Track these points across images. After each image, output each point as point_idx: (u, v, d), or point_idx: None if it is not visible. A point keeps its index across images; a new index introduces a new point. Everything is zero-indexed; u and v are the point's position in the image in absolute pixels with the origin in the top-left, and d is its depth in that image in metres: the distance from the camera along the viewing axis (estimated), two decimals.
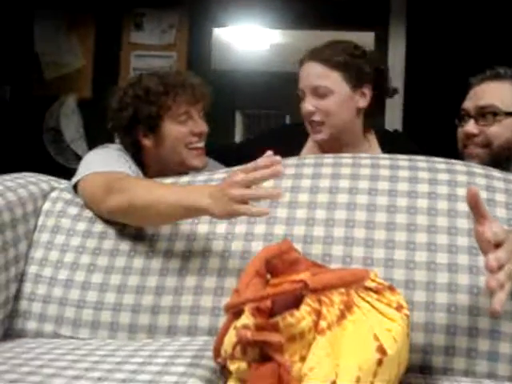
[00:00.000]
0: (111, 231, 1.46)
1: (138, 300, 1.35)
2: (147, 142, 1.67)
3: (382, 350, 0.95)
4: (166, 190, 1.34)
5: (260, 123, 6.78)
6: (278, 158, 1.12)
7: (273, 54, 5.59)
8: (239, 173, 1.15)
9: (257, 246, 1.33)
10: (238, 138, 6.89)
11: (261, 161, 1.13)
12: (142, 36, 3.63)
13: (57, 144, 3.51)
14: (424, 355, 1.22)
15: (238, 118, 6.97)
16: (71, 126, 3.50)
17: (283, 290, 0.94)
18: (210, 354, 1.09)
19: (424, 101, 3.30)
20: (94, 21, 3.63)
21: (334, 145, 1.74)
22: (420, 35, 3.50)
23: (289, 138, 1.87)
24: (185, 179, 1.53)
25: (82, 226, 1.48)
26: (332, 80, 1.68)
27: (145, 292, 1.35)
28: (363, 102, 1.72)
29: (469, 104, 1.63)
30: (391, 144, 1.84)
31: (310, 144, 1.86)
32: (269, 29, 4.60)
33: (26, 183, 1.53)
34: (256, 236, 1.35)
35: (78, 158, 3.42)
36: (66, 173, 3.34)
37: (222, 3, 3.81)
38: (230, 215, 1.18)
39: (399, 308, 1.04)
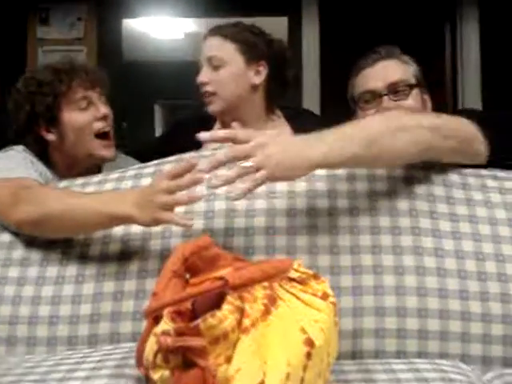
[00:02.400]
0: (21, 239, 1.38)
1: (55, 311, 1.27)
2: (50, 137, 1.60)
3: (309, 342, 0.92)
4: (83, 199, 1.29)
5: (179, 113, 6.70)
6: (197, 162, 1.12)
7: (187, 42, 5.51)
8: (163, 179, 1.15)
9: (176, 243, 1.27)
10: (158, 129, 6.80)
11: (182, 166, 1.14)
12: (49, 31, 3.49)
13: None
14: (354, 340, 1.20)
15: (157, 109, 6.87)
16: None
17: (202, 290, 0.90)
18: (133, 362, 1.03)
19: (340, 79, 3.31)
20: None
21: (232, 121, 1.72)
22: (333, 18, 3.52)
23: (198, 127, 1.84)
24: (96, 179, 1.45)
25: None
26: (226, 51, 1.73)
27: (61, 302, 1.28)
28: (257, 79, 1.76)
29: (376, 83, 1.64)
30: (302, 122, 1.85)
31: (216, 127, 1.87)
32: (181, 18, 4.53)
33: None
34: (174, 233, 1.29)
35: None
36: None
37: None
38: (156, 223, 1.18)
39: (325, 297, 1.01)
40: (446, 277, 1.22)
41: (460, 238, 1.25)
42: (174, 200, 1.15)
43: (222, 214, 1.29)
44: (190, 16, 4.44)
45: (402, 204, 1.28)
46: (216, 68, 1.72)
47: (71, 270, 1.31)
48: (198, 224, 1.28)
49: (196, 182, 1.13)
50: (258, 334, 0.90)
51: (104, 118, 1.62)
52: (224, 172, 1.08)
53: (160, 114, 6.89)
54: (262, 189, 1.29)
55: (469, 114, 1.35)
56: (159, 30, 5.16)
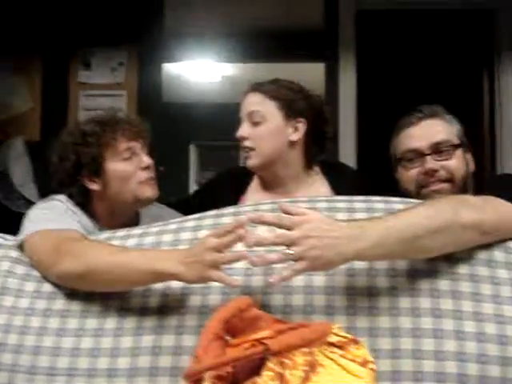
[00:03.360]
0: (62, 291, 1.39)
1: (93, 364, 1.28)
2: (94, 186, 1.63)
3: None
4: (129, 255, 1.31)
5: (214, 154, 6.77)
6: (244, 219, 1.18)
7: (224, 86, 5.59)
8: (210, 238, 1.19)
9: (214, 300, 1.28)
10: (192, 170, 6.86)
11: (229, 225, 1.19)
12: (91, 75, 3.56)
13: (4, 188, 3.39)
14: None
15: (193, 150, 6.94)
16: (19, 170, 3.39)
17: (244, 355, 0.90)
18: None
19: (377, 131, 3.32)
20: (41, 62, 3.55)
21: (270, 177, 1.81)
22: (370, 65, 3.54)
23: (236, 181, 1.90)
24: (137, 232, 1.47)
25: (30, 287, 1.41)
26: (266, 107, 1.75)
27: (100, 355, 1.29)
28: (296, 136, 1.76)
29: (420, 143, 1.64)
30: (340, 178, 1.87)
31: (254, 182, 1.89)
32: (219, 62, 4.60)
33: None
34: (213, 289, 1.30)
35: (27, 202, 3.33)
36: (15, 217, 3.25)
37: (172, 39, 3.79)
38: (203, 280, 1.21)
39: (364, 363, 1.01)
40: (485, 342, 1.21)
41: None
42: (224, 258, 1.18)
43: (261, 272, 1.30)
44: (228, 61, 4.50)
45: (442, 267, 1.28)
46: (256, 124, 1.74)
47: (110, 322, 1.32)
48: (236, 282, 1.28)
49: (241, 240, 1.17)
50: None
51: (147, 168, 1.65)
52: (264, 253, 1.17)
53: (195, 155, 6.95)
54: None
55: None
56: (197, 73, 5.25)
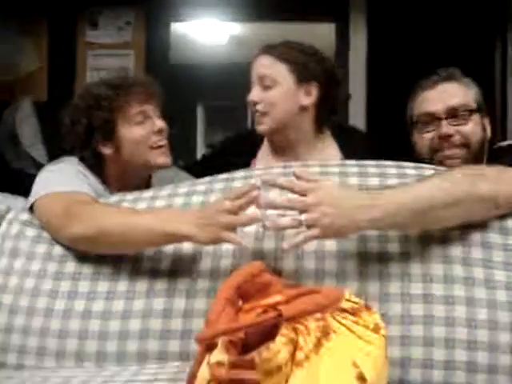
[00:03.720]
0: (73, 253, 1.40)
1: (105, 326, 1.29)
2: (107, 150, 1.61)
3: (361, 377, 0.92)
4: (142, 216, 1.32)
5: (222, 115, 6.74)
6: (257, 182, 1.19)
7: (232, 46, 5.53)
8: (225, 200, 1.20)
9: (225, 264, 1.29)
10: (200, 130, 6.84)
11: (245, 188, 1.20)
12: (98, 35, 3.54)
13: (13, 149, 3.40)
14: (401, 369, 1.19)
15: (200, 110, 6.91)
16: (28, 131, 3.39)
17: (257, 322, 0.90)
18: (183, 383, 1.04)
19: (387, 93, 3.29)
20: (47, 21, 3.52)
21: (281, 141, 1.78)
22: (381, 26, 3.49)
23: (247, 145, 1.89)
24: (147, 195, 1.47)
25: (41, 249, 1.41)
26: (277, 70, 1.71)
27: (111, 317, 1.30)
28: (307, 100, 1.73)
29: (435, 106, 1.61)
30: (351, 142, 1.85)
31: (265, 146, 1.87)
32: (227, 22, 4.54)
33: None
34: (224, 253, 1.30)
35: (36, 164, 3.33)
36: (24, 178, 3.26)
37: None
38: (216, 242, 1.22)
39: (376, 329, 1.00)
40: (496, 309, 1.21)
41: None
42: (238, 220, 1.20)
43: (272, 237, 1.29)
44: (237, 20, 4.45)
45: (454, 234, 1.27)
46: (267, 88, 1.71)
47: (122, 285, 1.33)
48: (249, 245, 1.28)
49: (254, 203, 1.18)
50: (311, 367, 0.90)
51: (160, 131, 1.62)
52: (276, 217, 1.17)
53: (203, 115, 6.93)
54: None
55: None
56: (205, 33, 5.19)
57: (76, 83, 3.48)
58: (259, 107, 1.72)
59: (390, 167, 1.41)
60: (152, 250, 1.34)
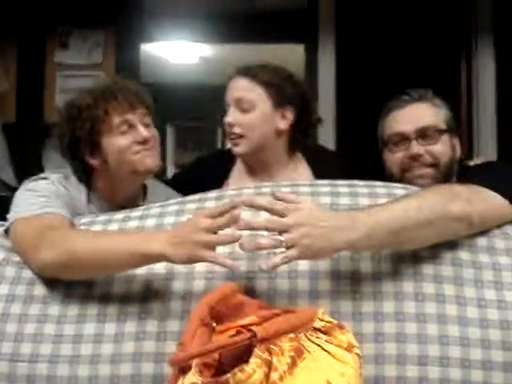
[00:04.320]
0: (42, 278, 1.37)
1: (76, 350, 1.27)
2: (94, 162, 1.57)
3: None
4: (114, 238, 1.28)
5: (191, 136, 6.73)
6: (239, 201, 1.15)
7: (202, 67, 5.56)
8: (203, 218, 1.15)
9: (198, 285, 1.28)
10: (169, 151, 6.83)
11: (225, 206, 1.16)
12: (68, 55, 3.51)
13: None
14: None
15: (170, 130, 6.90)
16: None
17: (230, 343, 0.90)
18: None
19: (356, 112, 3.33)
20: (16, 42, 3.48)
21: (255, 162, 1.79)
22: (349, 46, 3.53)
23: (219, 166, 1.88)
24: (137, 213, 1.46)
25: (10, 272, 1.39)
26: (256, 94, 1.71)
27: (82, 341, 1.27)
28: (283, 124, 1.74)
29: (405, 127, 1.63)
30: (321, 162, 1.87)
31: (237, 166, 1.87)
32: (197, 43, 4.57)
33: None
34: (197, 274, 1.29)
35: (6, 186, 3.29)
36: None
37: (149, 19, 3.74)
38: (193, 261, 1.18)
39: (350, 348, 1.01)
40: (468, 326, 1.22)
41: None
42: (218, 239, 1.16)
43: (245, 257, 1.29)
44: (206, 42, 4.47)
45: (425, 252, 1.29)
46: (244, 111, 1.70)
47: (92, 309, 1.31)
48: (221, 267, 1.27)
49: (235, 222, 1.13)
50: None
51: (144, 141, 1.56)
52: (256, 238, 1.13)
53: (172, 136, 6.93)
54: None
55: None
56: (175, 54, 5.21)
57: (45, 104, 3.45)
58: (236, 130, 1.72)
59: (361, 187, 1.42)
60: (123, 273, 1.33)
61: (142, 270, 1.31)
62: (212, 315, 1.02)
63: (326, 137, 3.32)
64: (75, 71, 3.48)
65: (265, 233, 1.15)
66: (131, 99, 1.56)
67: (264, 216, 1.17)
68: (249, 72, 1.73)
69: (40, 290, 1.36)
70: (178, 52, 5.16)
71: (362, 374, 1.03)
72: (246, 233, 1.17)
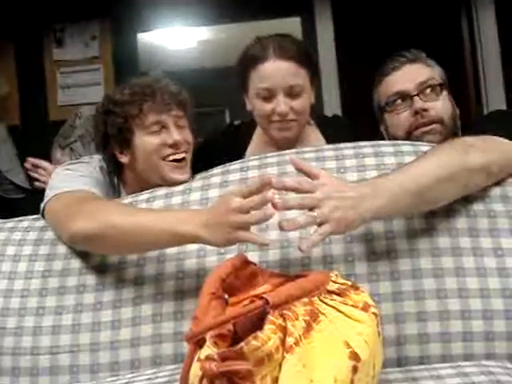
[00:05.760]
0: (56, 266, 1.38)
1: (96, 338, 1.27)
2: (124, 159, 1.54)
3: (355, 356, 0.91)
4: (149, 216, 1.25)
5: (200, 121, 6.71)
6: (270, 178, 1.09)
7: (201, 50, 5.52)
8: (234, 197, 1.11)
9: (211, 262, 1.27)
10: None
11: (255, 183, 1.11)
12: (65, 52, 3.52)
13: None
14: (398, 347, 1.18)
15: None
16: (5, 156, 3.36)
17: (243, 312, 0.88)
18: None
19: (359, 80, 3.28)
20: (13, 44, 3.49)
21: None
22: (346, 14, 3.49)
23: (236, 139, 1.83)
24: (162, 192, 1.46)
25: (23, 267, 1.39)
26: (302, 77, 1.63)
27: (101, 328, 1.28)
28: (313, 97, 1.70)
29: (406, 85, 1.60)
30: (333, 129, 1.83)
31: (257, 141, 1.81)
32: (194, 27, 4.53)
33: None
34: (208, 251, 1.29)
35: (17, 188, 3.30)
36: (6, 203, 3.22)
37: (144, 8, 3.72)
38: (231, 243, 1.15)
39: (366, 307, 0.99)
40: (486, 276, 1.21)
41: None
42: (251, 219, 1.11)
43: (256, 228, 1.27)
44: (203, 24, 4.43)
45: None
46: (295, 96, 1.62)
47: (108, 295, 1.31)
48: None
49: (268, 201, 1.08)
50: (303, 351, 0.88)
51: (175, 144, 1.51)
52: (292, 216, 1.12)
53: None
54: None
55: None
56: (173, 40, 5.18)
57: (48, 103, 3.46)
58: (290, 116, 1.64)
59: (385, 146, 1.41)
60: (135, 256, 1.32)
61: (152, 252, 1.31)
62: (223, 288, 1.00)
63: (332, 106, 3.30)
64: (74, 67, 3.48)
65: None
66: (168, 99, 1.51)
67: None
68: (288, 53, 1.62)
69: (53, 281, 1.36)
70: (175, 38, 5.13)
71: (381, 333, 1.02)
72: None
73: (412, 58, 1.64)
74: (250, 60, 1.65)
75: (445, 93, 1.62)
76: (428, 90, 1.59)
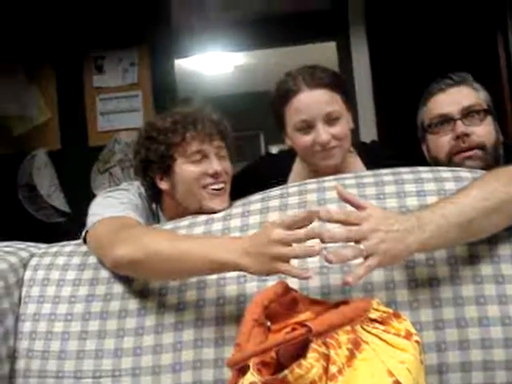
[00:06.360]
0: (99, 291, 1.41)
1: (137, 362, 1.29)
2: (164, 185, 1.57)
3: None
4: (191, 243, 1.26)
5: (236, 145, 6.75)
6: (316, 210, 1.08)
7: (238, 75, 5.59)
8: (276, 229, 1.10)
9: (251, 288, 1.28)
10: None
11: (299, 215, 1.10)
12: (104, 79, 3.58)
13: (33, 200, 3.43)
14: (440, 375, 1.17)
15: None
16: (45, 180, 3.42)
17: (287, 339, 0.89)
18: None
19: (395, 104, 3.28)
20: (53, 70, 3.58)
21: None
22: (381, 36, 3.49)
23: (274, 170, 1.82)
24: (203, 218, 1.48)
25: (67, 292, 1.42)
26: (338, 103, 1.63)
27: (142, 353, 1.29)
28: (351, 121, 1.70)
29: (450, 108, 1.60)
30: (372, 157, 1.81)
31: (298, 170, 1.81)
32: (230, 52, 4.59)
33: (3, 254, 1.48)
34: (249, 277, 1.29)
35: (58, 212, 3.37)
36: (47, 228, 3.29)
37: (181, 34, 3.79)
38: (271, 273, 1.14)
39: (408, 336, 0.99)
40: None
41: None
42: (290, 253, 1.09)
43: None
44: (239, 50, 4.49)
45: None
46: (333, 122, 1.61)
47: (150, 320, 1.33)
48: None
49: (312, 238, 1.07)
50: (346, 380, 0.89)
51: (215, 174, 1.53)
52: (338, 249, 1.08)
53: None
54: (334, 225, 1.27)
55: None
56: (210, 65, 5.26)
57: (88, 129, 3.53)
58: (332, 144, 1.63)
59: (424, 172, 1.41)
60: (177, 282, 1.34)
61: (193, 279, 1.32)
62: (266, 315, 1.01)
63: (368, 131, 3.30)
64: (113, 93, 3.55)
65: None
66: (210, 129, 1.54)
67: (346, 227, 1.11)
68: (320, 81, 1.62)
69: (96, 306, 1.38)
70: (212, 63, 5.21)
71: (424, 361, 1.01)
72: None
73: (458, 81, 1.65)
74: (283, 96, 1.65)
75: (489, 118, 1.62)
76: (471, 115, 1.59)
